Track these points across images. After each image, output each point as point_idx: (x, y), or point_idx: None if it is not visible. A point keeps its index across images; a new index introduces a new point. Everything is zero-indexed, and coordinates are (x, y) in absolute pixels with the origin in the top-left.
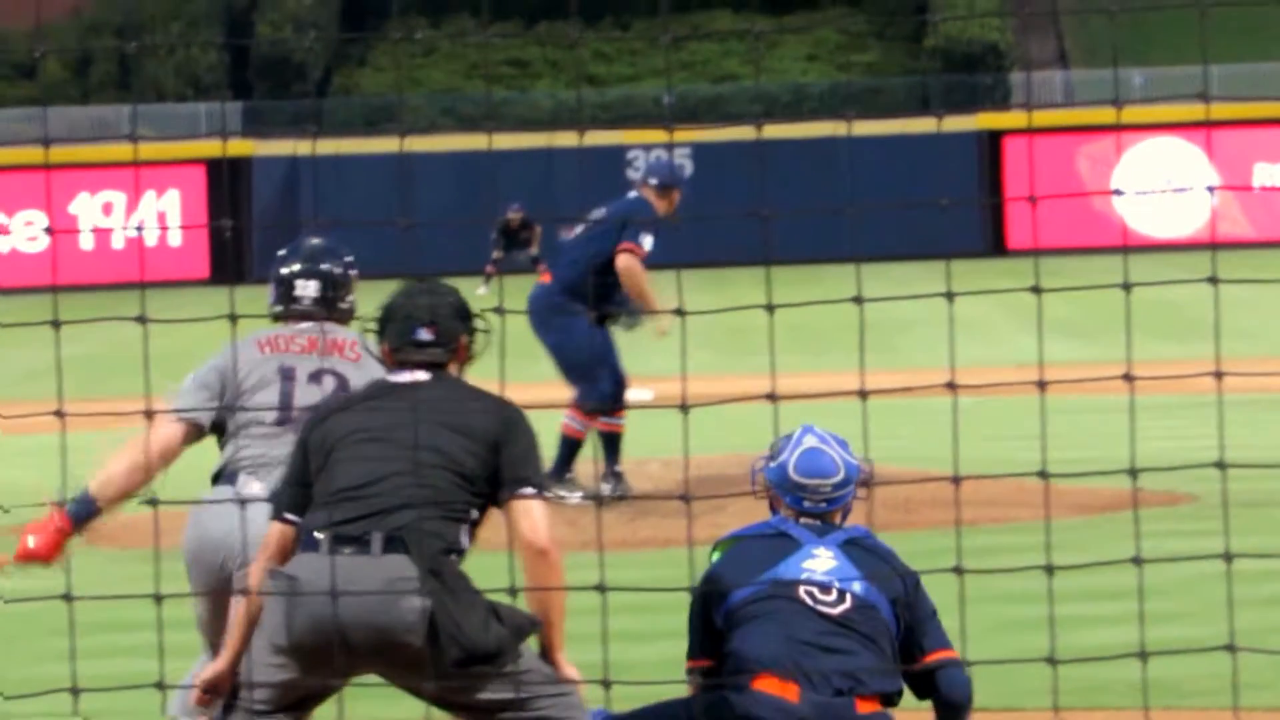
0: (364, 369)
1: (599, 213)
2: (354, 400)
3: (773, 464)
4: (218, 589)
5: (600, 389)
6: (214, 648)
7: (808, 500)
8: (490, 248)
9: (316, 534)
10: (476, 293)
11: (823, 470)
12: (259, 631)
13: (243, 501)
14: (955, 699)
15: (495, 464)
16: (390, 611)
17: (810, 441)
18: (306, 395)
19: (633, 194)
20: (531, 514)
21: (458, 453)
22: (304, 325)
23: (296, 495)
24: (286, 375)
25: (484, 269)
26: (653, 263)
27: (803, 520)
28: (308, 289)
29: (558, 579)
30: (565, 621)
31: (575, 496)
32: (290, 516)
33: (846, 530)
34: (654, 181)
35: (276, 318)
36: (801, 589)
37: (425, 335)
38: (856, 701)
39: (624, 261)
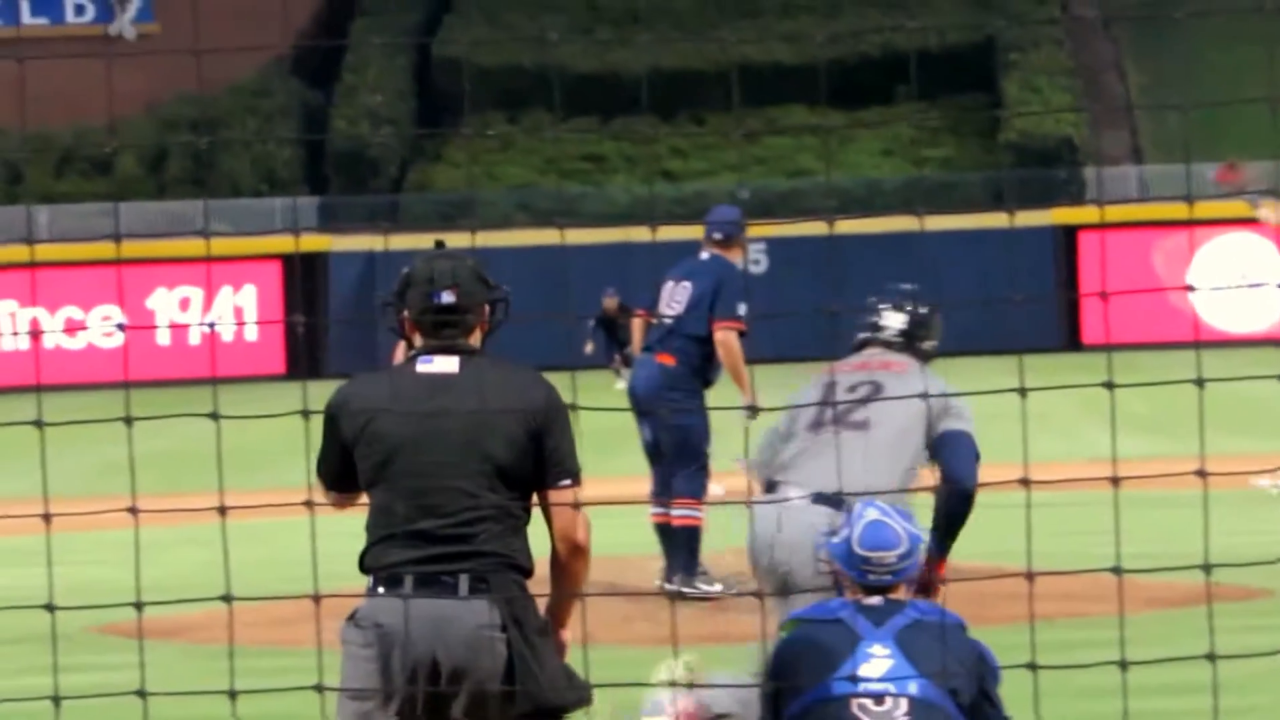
0: (906, 381)
1: (684, 286)
2: (387, 390)
3: (836, 540)
4: (769, 580)
5: (702, 478)
6: None
7: (872, 574)
8: (590, 342)
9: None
10: (616, 388)
11: (886, 542)
12: (342, 699)
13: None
14: None
15: (538, 454)
16: (478, 657)
17: (872, 515)
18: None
19: (705, 255)
20: (569, 507)
21: (514, 465)
22: (872, 351)
23: (342, 479)
24: (829, 387)
25: (610, 364)
26: None
27: (865, 601)
28: (891, 320)
29: (586, 571)
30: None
31: (717, 587)
32: (338, 495)
33: (906, 612)
34: (718, 236)
35: (859, 346)
36: (855, 705)
37: (448, 298)
38: None
39: (723, 337)
